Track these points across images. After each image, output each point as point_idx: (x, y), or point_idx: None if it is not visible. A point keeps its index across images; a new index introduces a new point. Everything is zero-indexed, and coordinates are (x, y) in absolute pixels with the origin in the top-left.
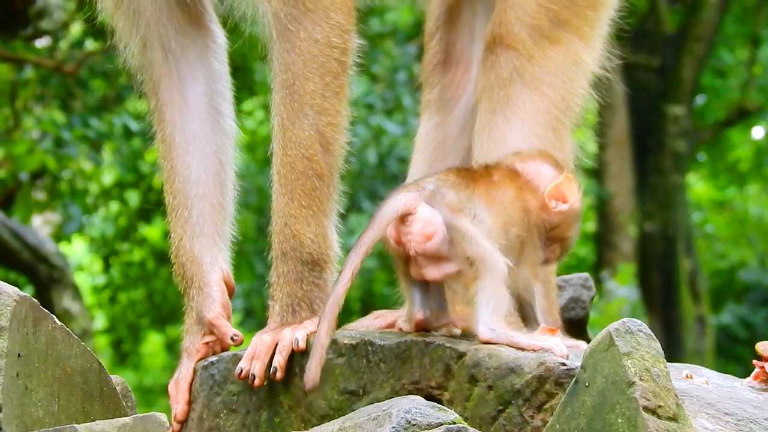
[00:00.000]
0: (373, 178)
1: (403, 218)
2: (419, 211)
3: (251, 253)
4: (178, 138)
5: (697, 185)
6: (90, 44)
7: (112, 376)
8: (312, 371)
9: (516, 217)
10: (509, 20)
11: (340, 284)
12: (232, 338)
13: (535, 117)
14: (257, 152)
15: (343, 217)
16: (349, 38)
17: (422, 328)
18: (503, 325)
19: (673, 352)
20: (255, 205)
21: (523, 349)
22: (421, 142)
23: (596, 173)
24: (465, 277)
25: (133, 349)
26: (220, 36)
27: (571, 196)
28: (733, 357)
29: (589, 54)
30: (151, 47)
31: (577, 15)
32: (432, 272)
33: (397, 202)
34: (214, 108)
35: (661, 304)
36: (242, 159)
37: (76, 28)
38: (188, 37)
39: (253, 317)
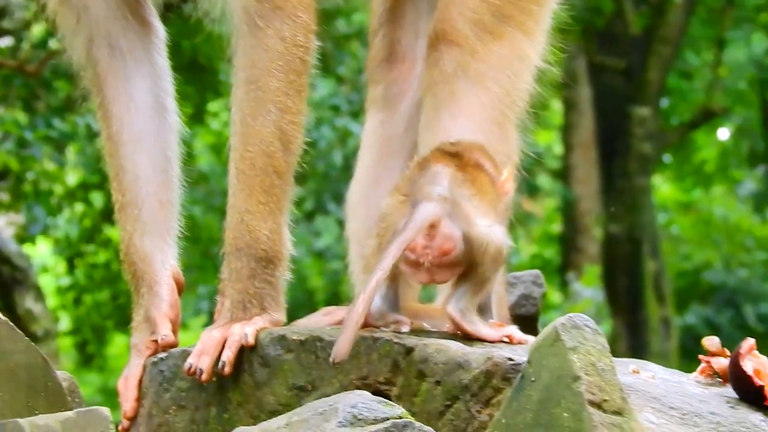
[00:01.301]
0: (339, 179)
1: (427, 229)
2: (442, 227)
3: (216, 255)
4: (126, 135)
5: (663, 187)
6: (53, 44)
7: (59, 372)
8: (342, 345)
9: (496, 203)
10: (452, 16)
11: (365, 297)
12: (161, 338)
13: (479, 112)
14: (222, 154)
15: (309, 218)
16: (313, 38)
17: (365, 322)
18: (473, 311)
19: (639, 353)
20: (220, 207)
21: (482, 339)
22: (367, 140)
23: (562, 175)
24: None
25: (98, 351)
26: (160, 31)
27: (509, 183)
28: (698, 358)
29: (532, 49)
30: (98, 44)
31: (520, 10)
32: (442, 277)
33: (427, 211)
34: (159, 104)
35: (627, 306)
36: (206, 161)
37: (39, 28)
38: (134, 33)
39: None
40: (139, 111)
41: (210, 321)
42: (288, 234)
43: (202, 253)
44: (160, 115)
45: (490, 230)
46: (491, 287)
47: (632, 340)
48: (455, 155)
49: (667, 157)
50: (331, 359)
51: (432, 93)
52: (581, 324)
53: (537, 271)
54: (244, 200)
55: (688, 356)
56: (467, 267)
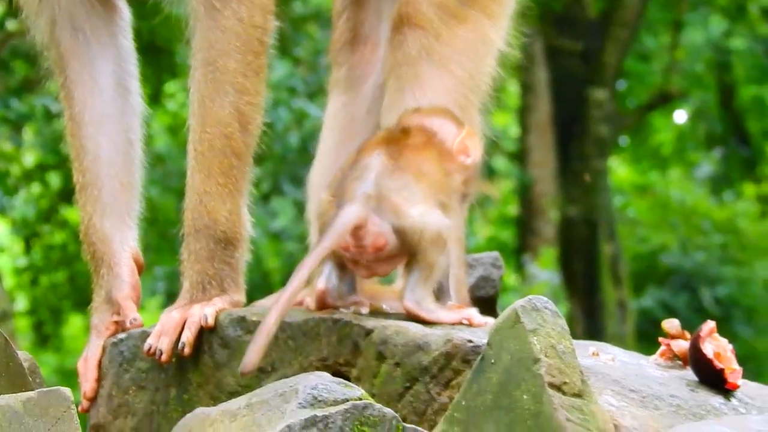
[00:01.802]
0: (296, 161)
1: (353, 231)
2: (369, 226)
3: (173, 236)
4: (88, 116)
5: (620, 170)
6: (11, 25)
7: (20, 352)
8: (251, 356)
9: (441, 182)
10: None
11: (289, 288)
12: (131, 322)
13: (443, 95)
14: (179, 135)
15: (265, 199)
16: (271, 18)
17: (323, 303)
18: (429, 299)
19: (595, 336)
20: (177, 188)
21: (443, 324)
22: (329, 122)
23: (519, 158)
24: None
25: (55, 332)
26: (125, 12)
27: (474, 149)
28: (654, 341)
29: (496, 32)
30: (61, 25)
31: None
32: (384, 270)
33: (349, 215)
34: (122, 86)
35: (583, 289)
36: (164, 142)
37: None
38: (98, 15)
39: (175, 300)
40: (102, 92)
41: (167, 302)
42: (247, 215)
43: (158, 234)
44: (122, 97)
45: (423, 217)
46: (443, 270)
47: (588, 323)
48: (399, 136)
49: (623, 140)
50: (240, 369)
51: (395, 75)
52: (541, 306)
53: (496, 253)
54: (202, 181)
55: (644, 339)
56: (409, 256)
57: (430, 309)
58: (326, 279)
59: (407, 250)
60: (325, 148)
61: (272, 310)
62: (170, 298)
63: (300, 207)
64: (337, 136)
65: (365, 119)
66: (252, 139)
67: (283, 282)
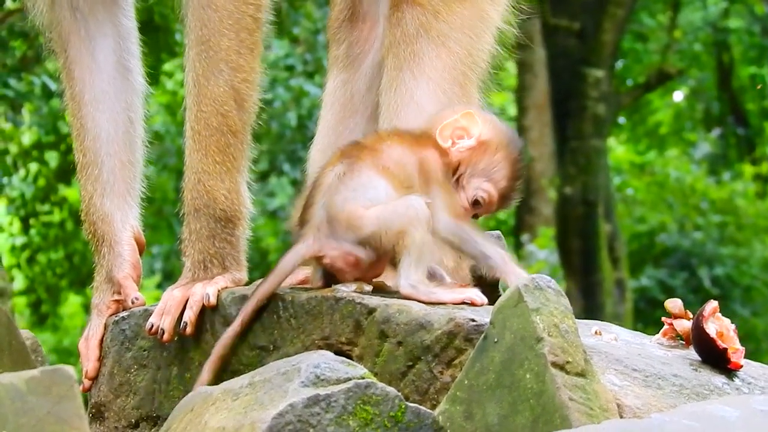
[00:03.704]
0: (294, 140)
1: (318, 259)
2: (329, 252)
3: (170, 215)
4: (88, 95)
5: (618, 149)
6: (9, 3)
7: (22, 331)
8: (203, 374)
9: (410, 173)
10: None
11: (229, 330)
12: (132, 301)
13: (441, 73)
14: (177, 114)
15: (263, 178)
16: None
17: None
18: (425, 280)
19: (593, 315)
20: (174, 167)
21: (444, 304)
22: (328, 99)
23: None
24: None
25: (52, 311)
26: None
27: (474, 128)
28: (651, 320)
29: (494, 9)
30: (59, 4)
31: None
32: (375, 273)
33: (296, 254)
34: (122, 65)
35: (581, 268)
36: (162, 120)
37: None
38: None
39: (173, 279)
40: (102, 71)
41: (164, 281)
42: (247, 192)
43: (156, 213)
44: (123, 76)
45: (381, 217)
46: (429, 249)
47: (586, 303)
48: (360, 142)
49: (621, 119)
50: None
51: (394, 53)
52: (544, 285)
53: (498, 232)
54: (200, 160)
55: (642, 318)
56: (390, 252)
57: (428, 291)
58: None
59: (383, 249)
60: (324, 126)
61: (217, 346)
62: (167, 277)
63: (298, 186)
64: (336, 113)
65: (365, 97)
66: (248, 116)
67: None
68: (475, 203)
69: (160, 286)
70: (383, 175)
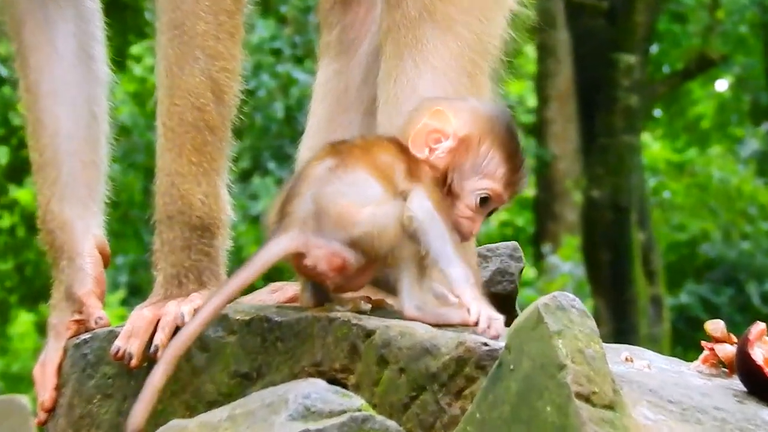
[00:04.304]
0: (280, 134)
1: (299, 257)
2: (313, 251)
3: (138, 221)
4: (45, 86)
5: (653, 146)
6: None
7: None
8: (137, 414)
9: (402, 181)
10: None
11: (187, 328)
12: (95, 321)
13: (448, 61)
14: (146, 103)
15: (245, 178)
16: None
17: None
18: (432, 300)
19: (624, 338)
20: (143, 165)
21: (453, 326)
22: (319, 91)
23: (536, 132)
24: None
25: (1, 331)
26: None
27: (447, 126)
28: (693, 344)
29: None
30: None
31: None
32: (360, 283)
33: (278, 246)
34: (85, 51)
35: (611, 283)
36: (129, 111)
37: None
38: None
39: (140, 295)
40: (61, 59)
41: (129, 297)
42: (226, 197)
43: (121, 218)
44: (85, 64)
45: (376, 217)
46: (429, 262)
47: (617, 324)
48: (351, 140)
49: (657, 112)
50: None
51: (393, 39)
52: (567, 304)
53: (514, 243)
54: (173, 161)
55: (682, 342)
56: (382, 260)
57: (436, 312)
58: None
59: (374, 255)
60: (315, 121)
61: (162, 359)
62: (134, 292)
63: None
64: (328, 107)
65: (360, 89)
66: (228, 110)
67: (266, 274)
68: (483, 202)
69: (126, 303)
70: (378, 177)
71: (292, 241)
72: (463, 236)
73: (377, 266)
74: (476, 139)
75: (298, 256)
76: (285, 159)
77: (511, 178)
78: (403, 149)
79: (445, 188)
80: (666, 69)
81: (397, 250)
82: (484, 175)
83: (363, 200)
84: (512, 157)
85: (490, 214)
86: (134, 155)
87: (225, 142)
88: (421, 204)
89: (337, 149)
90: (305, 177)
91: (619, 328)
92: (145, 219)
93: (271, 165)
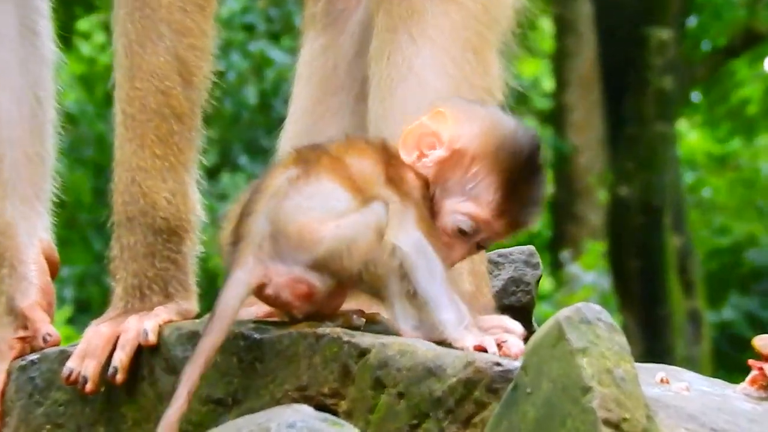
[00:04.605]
0: (253, 124)
1: (260, 289)
2: (274, 279)
3: (86, 225)
4: None
5: (690, 136)
6: None
7: None
8: None
9: (379, 194)
10: None
11: (173, 407)
12: (44, 339)
13: (449, 34)
14: (96, 88)
15: (212, 175)
16: None
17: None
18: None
19: (658, 359)
20: (92, 160)
21: (456, 347)
22: (304, 71)
23: (554, 119)
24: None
25: None
26: None
27: (444, 132)
28: (737, 365)
29: None
30: None
31: None
32: (335, 305)
33: (238, 287)
34: (28, 28)
35: (641, 296)
36: (75, 98)
37: None
38: None
39: (89, 311)
40: (2, 37)
41: (78, 314)
42: (196, 195)
43: (67, 223)
44: (28, 41)
45: (342, 229)
46: (416, 276)
47: (649, 342)
48: (323, 147)
49: (695, 96)
50: None
51: (386, 9)
52: (593, 318)
53: (530, 248)
54: (134, 153)
55: (724, 363)
56: (356, 278)
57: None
58: None
59: (347, 277)
60: (299, 106)
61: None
62: (82, 309)
63: None
64: (314, 89)
65: (351, 67)
66: (197, 94)
67: None
68: (462, 229)
69: (73, 322)
70: (348, 187)
71: (250, 276)
72: None
73: (352, 286)
74: (470, 155)
75: (259, 287)
76: (258, 152)
77: (506, 207)
78: (388, 155)
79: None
80: (706, 46)
81: (376, 264)
82: (469, 198)
83: (324, 214)
84: (514, 185)
85: (481, 247)
86: (82, 148)
87: (194, 132)
88: (409, 234)
89: (303, 157)
90: (262, 190)
91: (652, 348)
92: (94, 223)
93: (243, 159)
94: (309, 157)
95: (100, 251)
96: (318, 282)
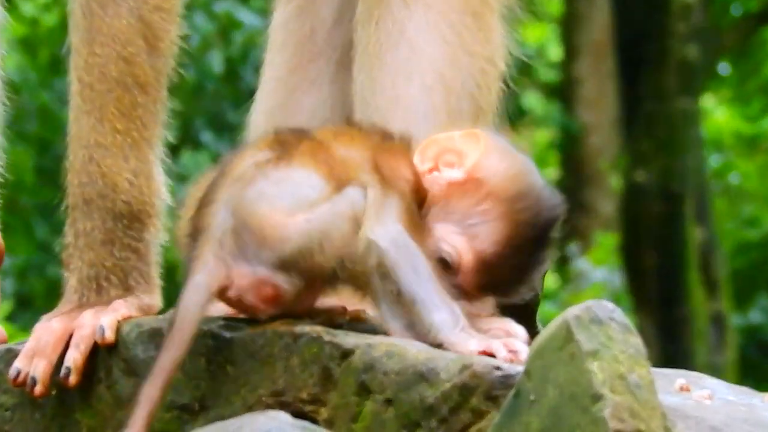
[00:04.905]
0: (218, 96)
1: (221, 292)
2: (237, 281)
3: (30, 210)
4: None
5: (717, 113)
6: None
7: None
8: None
9: (355, 167)
10: None
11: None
12: None
13: None
14: (39, 53)
15: (172, 154)
16: None
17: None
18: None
19: (676, 366)
20: (34, 136)
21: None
22: (278, 36)
23: (562, 94)
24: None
25: None
26: None
27: (470, 155)
28: (766, 374)
29: None
30: None
31: None
32: (307, 304)
33: (198, 293)
34: None
35: (658, 296)
36: (16, 64)
37: None
38: None
39: (31, 307)
40: None
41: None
42: (161, 177)
43: (7, 206)
44: None
45: (310, 223)
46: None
47: (666, 347)
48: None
49: (723, 68)
50: None
51: None
52: (605, 317)
53: None
54: (93, 128)
55: (752, 371)
56: (329, 279)
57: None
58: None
59: (320, 275)
60: (272, 74)
61: None
62: (24, 303)
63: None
64: (289, 56)
65: (331, 32)
66: (163, 62)
67: None
68: (442, 263)
69: (13, 318)
70: (324, 175)
71: (211, 279)
72: None
73: (328, 284)
74: (486, 191)
75: (221, 289)
76: (223, 128)
77: (495, 265)
78: (386, 144)
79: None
80: (736, 10)
81: (353, 260)
82: (465, 234)
83: (294, 205)
84: (517, 245)
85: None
86: (23, 122)
87: (159, 104)
88: (387, 227)
89: (281, 139)
90: (226, 174)
91: (669, 354)
92: (38, 207)
93: (206, 136)
94: (287, 141)
95: (44, 239)
96: (285, 284)
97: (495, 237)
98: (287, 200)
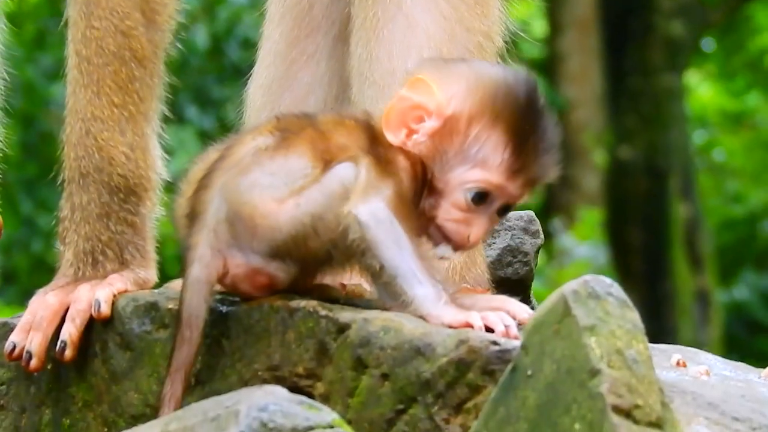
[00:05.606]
0: (203, 71)
1: (219, 279)
2: (232, 270)
3: (14, 185)
4: None
5: (702, 89)
6: None
7: None
8: None
9: (347, 148)
10: None
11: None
12: None
13: None
14: (25, 27)
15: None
16: None
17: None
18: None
19: (661, 341)
20: (20, 111)
21: (450, 326)
22: (275, 9)
23: (546, 69)
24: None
25: None
26: None
27: (429, 99)
28: (751, 351)
29: None
30: None
31: None
32: (308, 283)
33: (198, 288)
34: None
35: (643, 272)
36: (2, 38)
37: None
38: None
39: (17, 283)
40: None
41: (5, 287)
42: (157, 151)
43: None
44: None
45: (300, 208)
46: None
47: (651, 323)
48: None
49: (707, 44)
50: None
51: None
52: (602, 292)
53: (530, 213)
54: (90, 102)
55: (737, 349)
56: (325, 258)
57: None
58: None
59: (313, 260)
60: (269, 48)
61: None
62: (9, 279)
63: (208, 141)
64: (287, 29)
65: (330, 5)
66: (161, 36)
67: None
68: (479, 199)
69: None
70: (316, 159)
71: (208, 272)
72: (455, 245)
73: (322, 266)
74: (465, 117)
75: (218, 277)
76: (208, 104)
77: (519, 165)
78: (374, 134)
79: (426, 185)
80: None
81: (345, 247)
82: (475, 164)
83: (282, 192)
84: (522, 137)
85: (503, 213)
86: (9, 97)
87: (156, 78)
88: (369, 202)
89: (284, 125)
90: (225, 158)
91: (654, 330)
92: (23, 182)
93: (190, 112)
94: (290, 127)
95: (29, 214)
96: (279, 271)
97: (501, 145)
98: (280, 190)
